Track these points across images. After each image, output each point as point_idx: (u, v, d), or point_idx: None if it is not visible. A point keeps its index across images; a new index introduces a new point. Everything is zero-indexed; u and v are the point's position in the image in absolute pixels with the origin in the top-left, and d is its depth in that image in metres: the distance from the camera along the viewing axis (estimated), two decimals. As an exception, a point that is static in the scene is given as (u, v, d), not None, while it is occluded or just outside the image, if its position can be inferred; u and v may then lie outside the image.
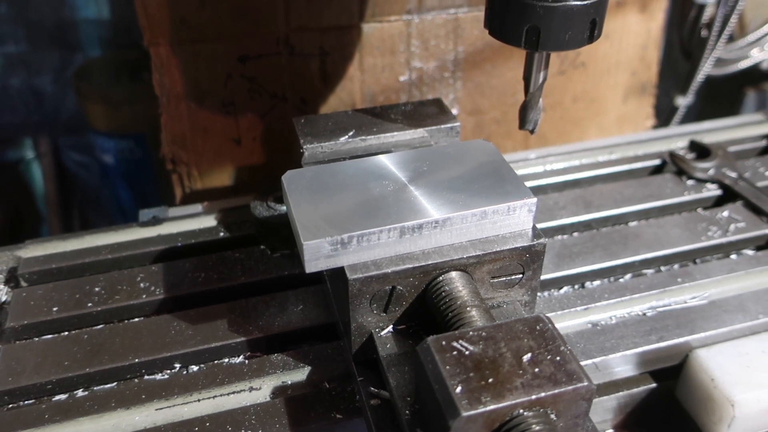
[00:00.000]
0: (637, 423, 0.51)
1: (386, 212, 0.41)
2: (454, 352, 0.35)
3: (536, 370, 0.34)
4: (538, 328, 0.36)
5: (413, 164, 0.45)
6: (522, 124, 0.51)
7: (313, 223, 0.40)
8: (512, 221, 0.42)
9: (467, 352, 0.35)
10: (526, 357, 0.34)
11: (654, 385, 0.50)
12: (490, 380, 0.33)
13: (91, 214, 1.25)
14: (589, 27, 0.43)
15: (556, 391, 0.33)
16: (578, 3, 0.42)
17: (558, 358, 0.34)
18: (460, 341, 0.35)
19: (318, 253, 0.39)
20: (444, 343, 0.35)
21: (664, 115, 0.94)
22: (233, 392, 0.45)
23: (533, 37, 0.43)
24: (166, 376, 0.47)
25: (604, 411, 0.50)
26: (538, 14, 0.42)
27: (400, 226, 0.40)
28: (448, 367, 0.34)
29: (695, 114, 1.10)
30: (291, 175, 0.44)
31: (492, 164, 0.45)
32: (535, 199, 0.42)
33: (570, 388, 0.33)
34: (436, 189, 0.43)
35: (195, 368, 0.47)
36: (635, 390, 0.49)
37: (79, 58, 1.10)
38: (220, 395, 0.45)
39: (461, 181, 0.43)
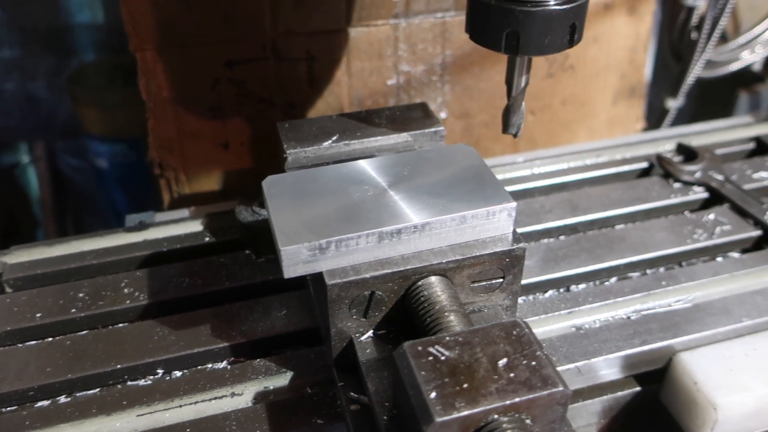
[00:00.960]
0: (623, 426, 0.51)
1: (365, 217, 0.41)
2: (430, 358, 0.35)
3: (511, 375, 0.34)
4: (514, 333, 0.36)
5: (394, 169, 0.45)
6: (505, 128, 0.51)
7: (291, 229, 0.40)
8: (492, 226, 0.42)
9: (443, 358, 0.35)
10: (502, 362, 0.34)
11: (638, 388, 0.50)
12: (465, 385, 0.33)
13: (86, 218, 1.25)
14: (569, 31, 0.43)
15: (531, 396, 0.33)
16: (557, 8, 0.42)
17: (534, 363, 0.34)
18: (437, 346, 0.35)
19: (296, 259, 0.39)
20: (420, 348, 0.35)
21: (655, 118, 0.94)
22: (215, 398, 0.45)
23: (513, 42, 0.43)
24: (149, 382, 0.47)
25: (588, 415, 0.50)
26: (517, 19, 0.42)
27: (378, 231, 0.40)
28: (423, 372, 0.34)
29: (689, 116, 1.10)
30: (271, 181, 0.44)
31: (473, 169, 0.45)
32: (514, 204, 0.42)
33: (545, 393, 0.33)
34: (416, 194, 0.43)
35: (178, 374, 0.47)
36: (620, 393, 0.49)
37: (74, 63, 1.10)
38: (202, 401, 0.45)
39: (441, 185, 0.43)
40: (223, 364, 0.48)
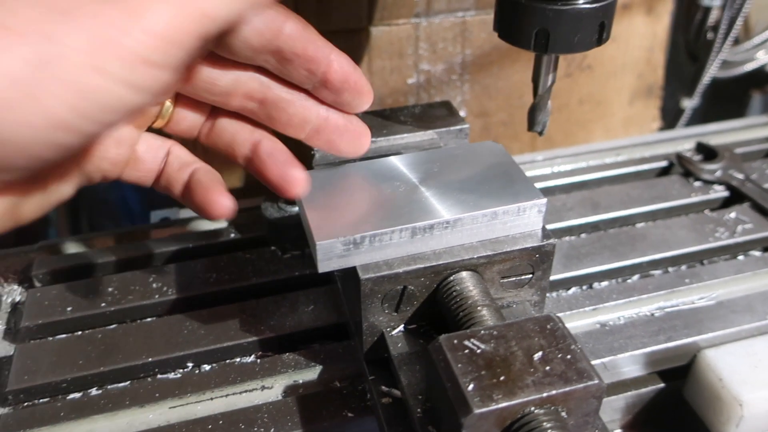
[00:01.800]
0: (646, 423, 0.51)
1: (398, 213, 0.41)
2: (466, 351, 0.35)
3: (547, 368, 0.34)
4: (548, 327, 0.36)
5: (424, 165, 0.45)
6: (531, 126, 0.51)
7: (325, 224, 0.40)
8: (522, 222, 0.43)
9: (479, 351, 0.35)
10: (537, 355, 0.35)
11: (662, 385, 0.50)
12: (502, 378, 0.34)
13: (99, 216, 1.25)
14: (598, 29, 0.44)
15: (567, 389, 0.33)
16: (587, 6, 0.42)
17: (569, 356, 0.35)
18: (472, 340, 0.36)
19: (331, 253, 0.40)
20: (456, 341, 0.36)
21: (670, 117, 0.94)
22: (245, 391, 0.46)
23: (542, 40, 0.43)
24: (179, 375, 0.47)
25: (612, 411, 0.50)
26: (547, 17, 0.42)
27: (411, 227, 0.40)
28: (459, 365, 0.34)
29: (701, 116, 1.10)
30: (303, 177, 0.44)
31: (501, 165, 0.45)
32: (545, 200, 0.42)
33: (581, 386, 0.34)
34: (446, 190, 0.43)
35: (207, 367, 0.48)
36: (643, 390, 0.50)
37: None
38: (233, 394, 0.46)
39: (471, 182, 0.44)
40: (252, 358, 0.49)
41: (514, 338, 0.36)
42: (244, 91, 0.40)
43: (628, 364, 0.49)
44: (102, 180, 0.39)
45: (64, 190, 0.37)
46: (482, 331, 0.36)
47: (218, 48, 0.38)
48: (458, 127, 0.54)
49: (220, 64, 0.39)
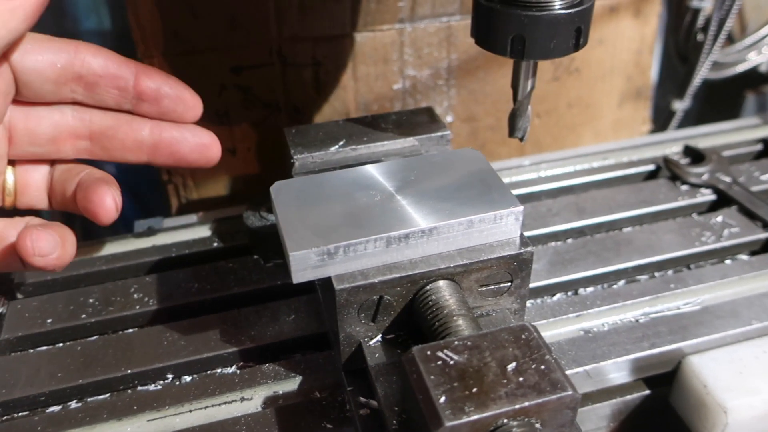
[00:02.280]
0: (632, 430, 0.51)
1: (373, 222, 0.41)
2: (439, 362, 0.35)
3: (520, 379, 0.34)
4: (523, 337, 0.36)
5: (401, 174, 0.45)
6: (511, 132, 0.51)
7: (300, 234, 0.40)
8: (499, 230, 0.42)
9: (452, 362, 0.35)
10: (511, 366, 0.34)
11: (648, 392, 0.50)
12: (474, 390, 0.33)
13: (93, 224, 1.25)
14: (575, 35, 0.43)
15: (540, 400, 0.33)
16: (563, 12, 0.42)
17: (543, 367, 0.34)
18: (445, 351, 0.35)
19: (305, 264, 0.40)
20: (429, 352, 0.35)
21: (663, 120, 0.94)
22: (225, 402, 0.45)
23: (519, 46, 0.43)
24: (159, 387, 0.47)
25: (598, 418, 0.50)
26: (522, 23, 0.42)
27: (386, 236, 0.40)
28: (432, 377, 0.34)
29: (696, 118, 1.10)
30: (279, 186, 0.44)
31: (480, 173, 0.45)
32: (521, 208, 0.42)
33: (554, 397, 0.33)
34: (423, 198, 0.43)
35: (188, 379, 0.48)
36: (629, 397, 0.49)
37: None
38: (212, 406, 0.45)
39: (448, 190, 0.43)
40: (233, 368, 0.48)
41: (488, 349, 0.35)
42: (68, 131, 0.41)
43: (613, 371, 0.48)
44: None
45: None
46: (456, 342, 0.36)
47: (21, 93, 0.39)
48: (439, 133, 0.54)
49: (34, 115, 0.40)
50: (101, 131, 0.42)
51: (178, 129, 0.43)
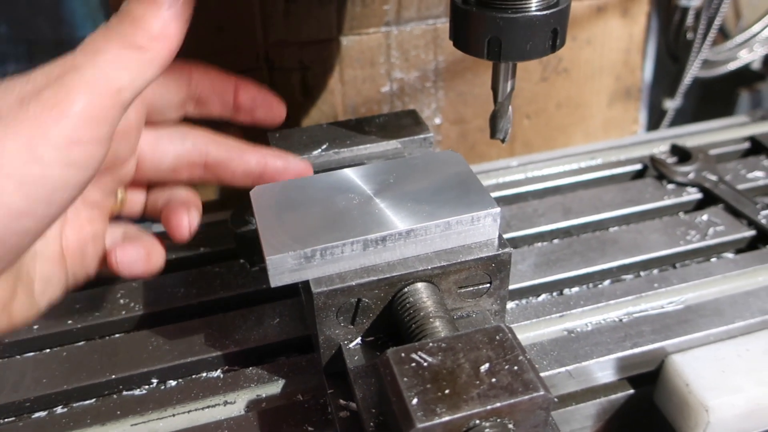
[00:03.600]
0: (618, 429, 0.51)
1: (351, 225, 0.41)
2: (413, 364, 0.35)
3: (493, 380, 0.34)
4: (497, 338, 0.36)
5: (380, 177, 0.45)
6: (493, 134, 0.51)
7: (277, 238, 0.40)
8: (477, 231, 0.42)
9: (425, 364, 0.35)
10: (484, 367, 0.35)
11: (632, 391, 0.50)
12: (447, 391, 0.33)
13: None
14: (551, 36, 0.43)
15: (512, 401, 0.33)
16: (539, 13, 0.42)
17: (516, 367, 0.35)
18: (420, 353, 0.35)
19: (282, 268, 0.40)
20: (403, 354, 0.35)
21: (656, 118, 0.94)
22: (208, 406, 0.46)
23: (495, 48, 0.43)
24: (144, 392, 0.47)
25: (583, 418, 0.50)
26: (498, 25, 0.42)
27: (363, 239, 0.40)
28: (405, 378, 0.34)
29: (690, 116, 1.09)
30: (259, 191, 0.45)
31: (459, 175, 0.45)
32: (498, 209, 0.42)
33: (526, 397, 0.33)
34: (401, 201, 0.43)
35: (172, 383, 0.48)
36: (613, 396, 0.49)
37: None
38: (195, 410, 0.45)
39: (427, 192, 0.44)
40: (217, 372, 0.49)
41: (462, 350, 0.36)
42: (188, 161, 0.45)
43: (596, 370, 0.48)
44: (86, 280, 0.44)
45: (50, 292, 0.41)
46: (431, 344, 0.36)
47: (148, 119, 0.44)
48: (422, 136, 0.54)
49: (160, 148, 0.45)
50: (216, 162, 0.46)
51: (281, 160, 0.47)
